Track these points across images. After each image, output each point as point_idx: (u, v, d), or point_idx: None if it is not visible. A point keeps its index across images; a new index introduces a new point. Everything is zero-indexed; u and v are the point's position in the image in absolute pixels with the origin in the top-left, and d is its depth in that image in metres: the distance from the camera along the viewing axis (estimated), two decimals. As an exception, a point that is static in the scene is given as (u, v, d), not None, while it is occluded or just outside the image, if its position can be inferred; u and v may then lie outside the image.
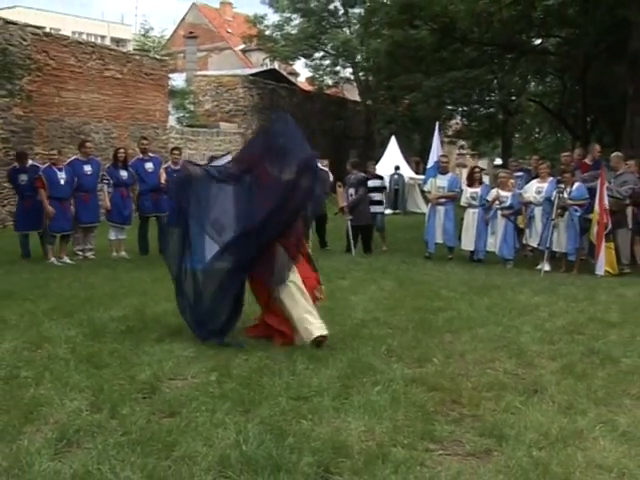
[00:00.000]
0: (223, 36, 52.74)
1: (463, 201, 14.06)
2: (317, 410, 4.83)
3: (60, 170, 12.66)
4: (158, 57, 28.01)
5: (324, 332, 6.56)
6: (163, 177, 13.68)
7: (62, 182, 12.62)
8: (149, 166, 13.84)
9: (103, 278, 10.75)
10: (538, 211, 13.04)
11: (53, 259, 12.48)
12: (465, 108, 37.81)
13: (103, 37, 59.20)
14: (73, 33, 40.91)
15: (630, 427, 4.68)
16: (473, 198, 13.82)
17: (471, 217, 13.82)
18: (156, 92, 25.68)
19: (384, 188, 16.75)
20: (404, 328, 7.47)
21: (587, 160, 14.67)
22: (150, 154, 14.38)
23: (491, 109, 36.97)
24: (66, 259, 12.65)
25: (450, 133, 41.76)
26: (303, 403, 4.99)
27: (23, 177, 12.55)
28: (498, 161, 45.72)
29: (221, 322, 6.80)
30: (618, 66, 24.41)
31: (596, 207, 12.16)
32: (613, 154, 13.52)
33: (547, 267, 12.45)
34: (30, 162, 13.01)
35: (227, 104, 32.18)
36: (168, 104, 27.36)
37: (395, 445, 4.29)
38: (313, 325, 6.58)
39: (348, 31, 39.41)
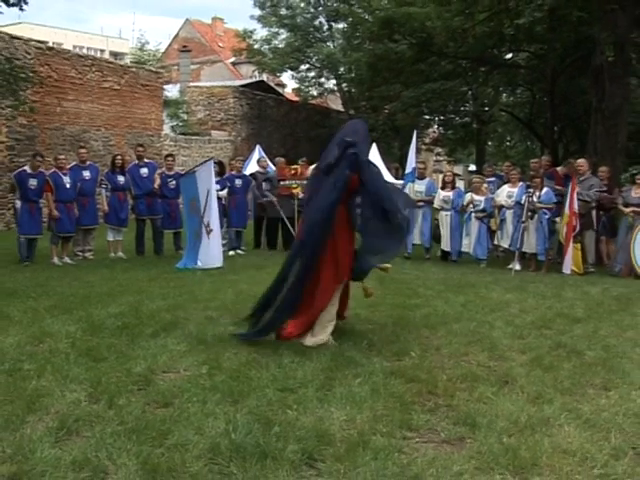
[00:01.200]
0: (215, 50, 52.59)
1: (436, 204, 14.06)
2: (302, 401, 4.84)
3: (65, 175, 12.63)
4: (154, 69, 27.87)
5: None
6: (157, 182, 13.68)
7: (68, 186, 12.60)
8: (144, 171, 13.80)
9: (101, 277, 10.71)
10: (509, 214, 13.08)
11: (55, 259, 12.43)
12: (441, 117, 37.83)
13: (102, 51, 58.93)
14: (74, 47, 40.78)
15: (593, 415, 4.72)
16: (445, 201, 13.86)
17: (444, 219, 13.85)
18: (151, 102, 25.59)
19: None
20: (384, 324, 7.50)
21: (559, 169, 14.64)
22: (145, 160, 14.31)
23: (466, 118, 36.98)
24: (67, 259, 12.61)
25: (427, 141, 41.74)
26: (289, 394, 5.00)
27: (33, 182, 12.25)
28: (472, 167, 45.83)
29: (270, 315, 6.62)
30: (583, 79, 24.58)
31: (566, 210, 12.20)
32: (579, 160, 13.58)
33: (518, 266, 12.48)
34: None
35: (218, 113, 32.08)
36: (163, 113, 27.27)
37: (375, 433, 4.31)
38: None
39: (332, 45, 39.36)
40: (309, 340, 6.50)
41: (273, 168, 16.35)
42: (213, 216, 12.08)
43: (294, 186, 14.38)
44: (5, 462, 3.84)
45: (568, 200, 12.18)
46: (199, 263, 11.92)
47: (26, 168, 12.53)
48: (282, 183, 14.51)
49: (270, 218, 14.96)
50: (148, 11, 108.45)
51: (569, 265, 12.18)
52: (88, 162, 13.44)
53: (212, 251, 12.05)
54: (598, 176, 13.19)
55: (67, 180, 12.61)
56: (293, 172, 14.61)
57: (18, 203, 12.40)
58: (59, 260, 12.44)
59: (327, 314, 6.61)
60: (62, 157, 13.21)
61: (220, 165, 14.29)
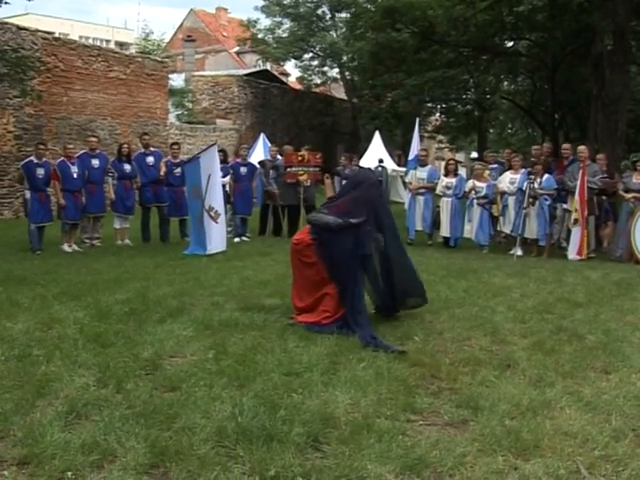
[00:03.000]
0: (219, 39, 52.50)
1: (439, 190, 14.04)
2: (307, 385, 4.84)
3: (73, 164, 12.62)
4: (159, 59, 27.80)
5: None
6: (163, 170, 13.66)
7: (75, 175, 12.59)
8: (150, 160, 13.78)
9: (108, 264, 10.71)
10: (511, 200, 13.05)
11: (65, 245, 12.46)
12: (443, 105, 37.68)
13: (108, 41, 58.79)
14: (80, 37, 40.60)
15: (593, 397, 4.72)
16: (448, 188, 13.83)
17: (445, 205, 13.84)
18: (157, 91, 25.52)
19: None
20: (387, 309, 7.47)
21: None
22: (151, 149, 14.29)
23: (467, 106, 36.86)
24: (74, 247, 12.62)
25: (430, 128, 41.61)
26: (294, 378, 5.00)
27: (40, 171, 12.24)
28: (474, 154, 45.68)
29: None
30: (583, 67, 24.47)
31: (576, 197, 12.12)
32: (580, 147, 13.51)
33: (519, 252, 12.46)
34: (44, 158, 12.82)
35: (223, 102, 32.03)
36: (168, 102, 27.20)
37: (379, 416, 4.32)
38: None
39: (335, 34, 39.26)
40: None
41: (280, 158, 16.35)
42: (217, 200, 12.03)
43: (300, 173, 14.36)
44: (16, 445, 3.85)
45: (579, 187, 12.08)
46: (209, 248, 11.83)
47: (32, 158, 12.51)
48: (289, 170, 14.49)
49: (276, 206, 14.95)
50: (153, 2, 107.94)
51: (581, 250, 12.11)
52: (98, 151, 13.43)
53: (218, 235, 12.03)
54: (597, 163, 13.13)
55: (74, 170, 12.59)
56: (300, 159, 14.59)
57: (27, 193, 12.40)
58: (69, 247, 12.46)
59: None
60: (71, 146, 13.22)
61: (223, 153, 14.27)
